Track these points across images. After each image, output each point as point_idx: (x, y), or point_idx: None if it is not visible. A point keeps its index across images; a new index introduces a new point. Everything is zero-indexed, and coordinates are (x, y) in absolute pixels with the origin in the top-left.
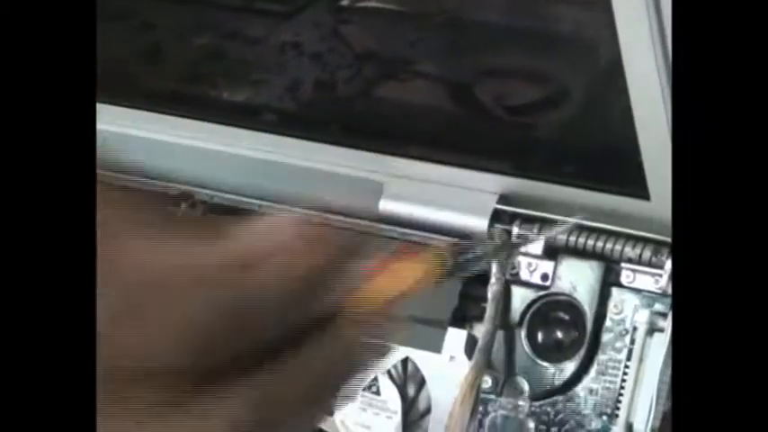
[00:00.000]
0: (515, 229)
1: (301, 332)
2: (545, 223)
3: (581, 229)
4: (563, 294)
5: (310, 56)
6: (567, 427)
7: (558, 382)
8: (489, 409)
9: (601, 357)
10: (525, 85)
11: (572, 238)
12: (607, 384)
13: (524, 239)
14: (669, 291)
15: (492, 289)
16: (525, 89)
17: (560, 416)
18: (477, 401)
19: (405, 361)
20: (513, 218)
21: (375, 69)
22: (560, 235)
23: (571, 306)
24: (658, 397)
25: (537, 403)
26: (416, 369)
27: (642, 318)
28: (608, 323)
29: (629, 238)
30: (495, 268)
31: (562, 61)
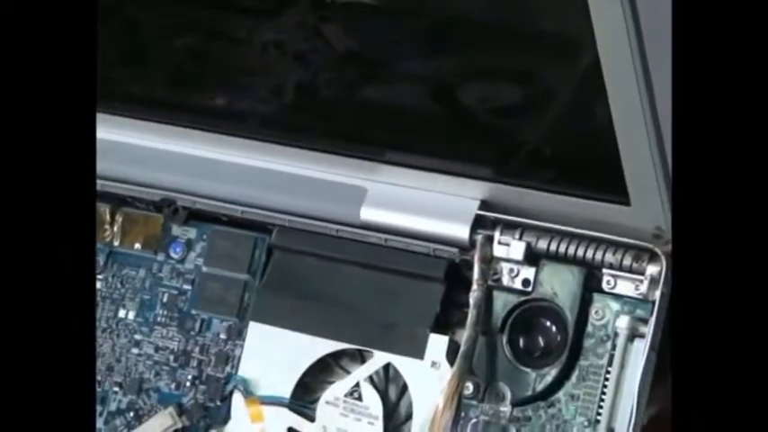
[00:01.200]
0: (497, 235)
1: None
2: (527, 229)
3: (562, 234)
4: (544, 300)
5: (293, 56)
6: None
7: (539, 388)
8: (471, 414)
9: (582, 363)
10: (507, 86)
11: (553, 244)
12: (588, 390)
13: None
14: (650, 296)
15: (473, 295)
16: (508, 91)
17: (542, 421)
18: (459, 408)
19: (386, 367)
20: (494, 224)
21: (357, 70)
22: (541, 241)
23: (552, 312)
24: (639, 403)
25: (518, 409)
26: (398, 375)
27: (623, 323)
28: (589, 329)
29: (610, 243)
30: (476, 274)
31: (545, 63)
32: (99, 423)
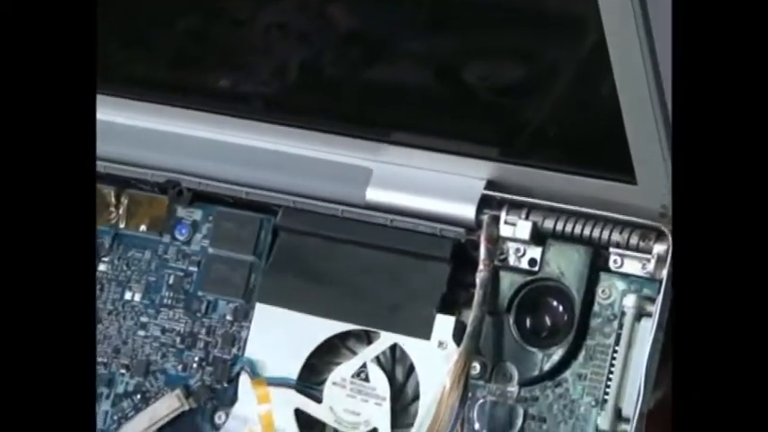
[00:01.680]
0: (503, 215)
1: None
2: (533, 209)
3: (569, 214)
4: (551, 280)
5: (297, 36)
6: (555, 412)
7: (546, 368)
8: (478, 395)
9: (589, 343)
10: (512, 65)
11: (560, 224)
12: (595, 369)
13: None
14: (657, 275)
15: (480, 275)
16: (512, 69)
17: (549, 401)
18: (466, 388)
19: (393, 347)
20: (500, 204)
21: (361, 50)
22: (548, 220)
23: (559, 291)
24: (646, 381)
25: (526, 389)
26: (405, 355)
27: (630, 302)
28: (596, 308)
29: (616, 223)
30: (483, 254)
31: (549, 41)
32: (106, 405)
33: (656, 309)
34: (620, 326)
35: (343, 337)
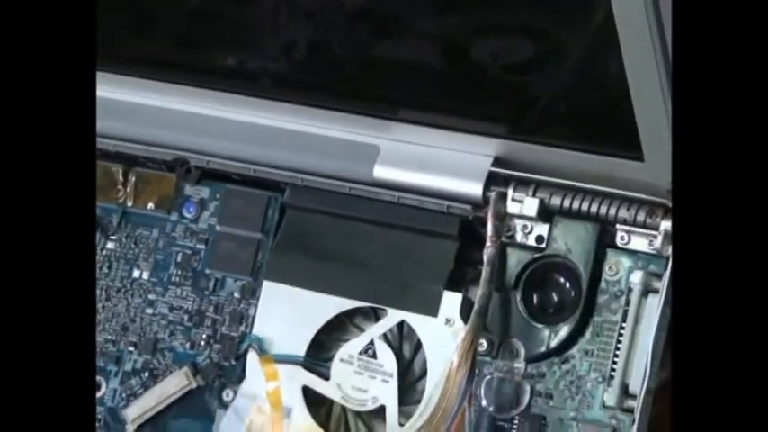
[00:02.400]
0: (510, 192)
1: None
2: (540, 186)
3: (576, 191)
4: (558, 256)
5: (304, 14)
6: (562, 388)
7: (553, 345)
8: (485, 371)
9: (596, 319)
10: (520, 42)
11: (567, 200)
12: (602, 346)
13: None
14: (664, 252)
15: (487, 252)
16: (520, 46)
17: (556, 377)
18: (473, 365)
19: (401, 324)
20: (507, 181)
21: (369, 28)
22: (555, 197)
23: (566, 268)
24: (653, 357)
25: (533, 365)
26: (412, 332)
27: (637, 279)
28: (603, 285)
29: (623, 199)
30: (490, 231)
31: (557, 18)
32: (114, 383)
33: (662, 285)
34: (627, 302)
35: (350, 314)
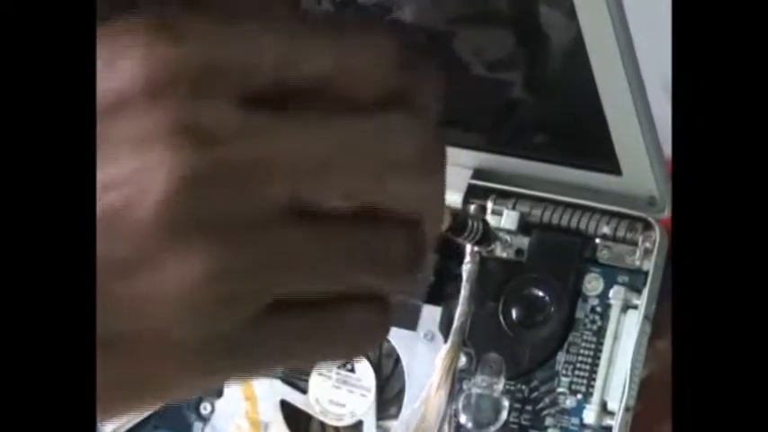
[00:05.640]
0: (490, 205)
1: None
2: (520, 199)
3: (556, 204)
4: (538, 270)
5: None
6: (541, 404)
7: (532, 360)
8: (464, 386)
9: (575, 335)
10: (500, 55)
11: (547, 214)
12: (581, 361)
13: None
14: (644, 267)
15: (466, 267)
16: (500, 59)
17: (535, 394)
18: (453, 384)
19: None
20: (487, 193)
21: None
22: (535, 210)
23: (546, 282)
24: (632, 374)
25: (511, 381)
26: (391, 346)
27: (616, 294)
28: (582, 300)
29: (603, 213)
30: (469, 248)
31: (535, 34)
32: None
33: (642, 300)
34: (607, 318)
35: None
